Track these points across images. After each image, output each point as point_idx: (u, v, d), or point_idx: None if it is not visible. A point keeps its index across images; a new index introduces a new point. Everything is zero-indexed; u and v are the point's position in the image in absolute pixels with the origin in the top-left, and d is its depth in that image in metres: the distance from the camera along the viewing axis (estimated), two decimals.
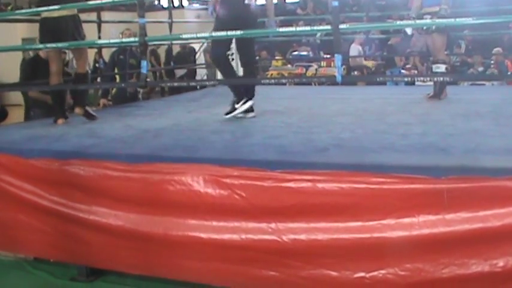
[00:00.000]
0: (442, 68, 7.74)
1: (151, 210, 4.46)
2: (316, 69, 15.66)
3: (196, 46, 16.68)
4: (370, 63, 15.16)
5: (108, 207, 4.62)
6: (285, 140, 5.28)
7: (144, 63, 5.42)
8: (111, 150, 5.22)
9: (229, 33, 5.55)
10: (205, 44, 14.29)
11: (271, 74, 15.42)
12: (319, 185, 3.93)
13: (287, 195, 4.02)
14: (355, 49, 14.86)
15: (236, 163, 4.32)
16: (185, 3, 23.53)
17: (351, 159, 4.37)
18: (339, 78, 4.44)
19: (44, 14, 6.45)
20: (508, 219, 3.56)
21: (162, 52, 17.24)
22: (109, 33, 13.45)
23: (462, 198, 3.65)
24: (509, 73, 13.43)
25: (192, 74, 16.37)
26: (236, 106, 6.67)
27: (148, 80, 5.77)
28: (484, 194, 3.63)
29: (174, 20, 11.13)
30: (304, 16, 18.61)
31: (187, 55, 15.77)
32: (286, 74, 15.38)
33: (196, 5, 22.19)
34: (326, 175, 3.96)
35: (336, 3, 4.43)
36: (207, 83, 6.09)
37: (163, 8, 18.36)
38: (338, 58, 4.48)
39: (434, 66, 7.82)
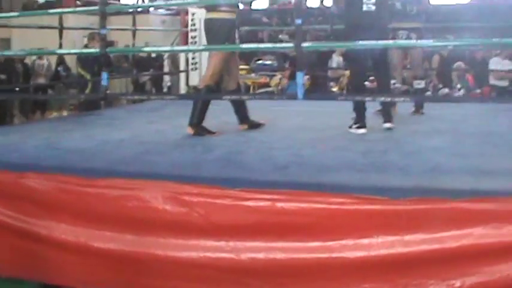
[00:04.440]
0: (422, 84, 7.80)
1: (108, 227, 4.39)
2: (280, 79, 15.58)
3: None
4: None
5: (65, 223, 4.54)
6: (245, 156, 5.26)
7: (105, 75, 5.35)
8: (69, 162, 5.14)
9: (191, 47, 5.52)
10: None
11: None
12: (279, 204, 3.91)
13: (246, 213, 3.99)
14: (335, 60, 14.77)
15: (196, 180, 4.29)
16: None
17: (310, 178, 4.36)
18: (300, 96, 4.42)
19: None
20: (464, 241, 3.59)
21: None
22: (72, 35, 13.41)
23: (420, 219, 3.67)
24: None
25: (158, 79, 16.35)
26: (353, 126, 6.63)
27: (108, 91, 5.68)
28: (442, 215, 3.66)
29: (138, 26, 11.07)
30: (269, 26, 18.64)
31: (153, 60, 15.73)
32: (250, 83, 15.33)
33: (161, 11, 22.07)
34: (285, 194, 3.94)
35: (299, 21, 4.42)
36: (169, 97, 6.00)
37: (128, 13, 18.28)
38: (300, 76, 4.46)
39: (415, 82, 7.85)
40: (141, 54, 15.97)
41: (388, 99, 5.91)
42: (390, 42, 6.84)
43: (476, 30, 13.44)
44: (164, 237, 4.23)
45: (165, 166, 4.88)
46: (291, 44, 5.23)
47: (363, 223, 3.75)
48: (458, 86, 13.54)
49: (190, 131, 6.57)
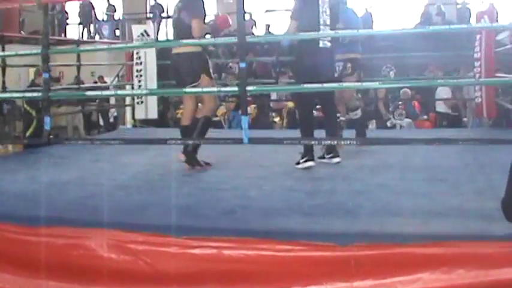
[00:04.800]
0: (358, 113, 7.82)
1: (53, 276, 4.30)
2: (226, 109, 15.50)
3: (108, 80, 16.43)
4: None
5: (7, 273, 4.44)
6: (192, 199, 5.20)
7: (47, 119, 5.26)
8: (12, 209, 5.02)
9: (134, 91, 5.46)
10: (115, 80, 14.14)
11: (182, 113, 15.22)
12: (225, 252, 3.89)
13: (193, 261, 3.96)
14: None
15: (141, 227, 4.23)
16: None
17: (258, 224, 4.32)
18: (245, 140, 4.40)
19: None
20: (414, 285, 3.60)
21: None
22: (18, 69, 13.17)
23: (369, 265, 3.67)
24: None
25: (103, 111, 16.23)
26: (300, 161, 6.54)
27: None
28: (391, 261, 3.66)
29: (84, 55, 11.01)
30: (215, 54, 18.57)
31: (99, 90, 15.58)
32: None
33: (106, 40, 21.96)
34: (232, 242, 3.91)
35: (243, 65, 4.40)
36: (114, 142, 5.93)
37: (74, 42, 18.08)
38: (245, 120, 4.44)
39: (351, 113, 7.87)
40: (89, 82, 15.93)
41: (335, 142, 5.89)
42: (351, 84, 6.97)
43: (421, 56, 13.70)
44: (111, 286, 4.16)
45: (109, 212, 4.78)
46: (235, 88, 5.22)
47: (311, 270, 3.73)
48: (403, 114, 13.62)
49: (182, 157, 6.56)
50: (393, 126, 13.36)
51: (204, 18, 6.61)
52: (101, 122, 17.26)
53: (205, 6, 6.57)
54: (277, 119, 14.55)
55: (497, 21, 14.71)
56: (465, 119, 13.56)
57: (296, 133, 6.64)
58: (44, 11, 5.60)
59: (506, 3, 19.18)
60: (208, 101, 6.62)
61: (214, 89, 6.15)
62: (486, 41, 9.66)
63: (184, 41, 6.01)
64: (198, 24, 6.41)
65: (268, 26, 22.08)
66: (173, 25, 6.96)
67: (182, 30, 6.52)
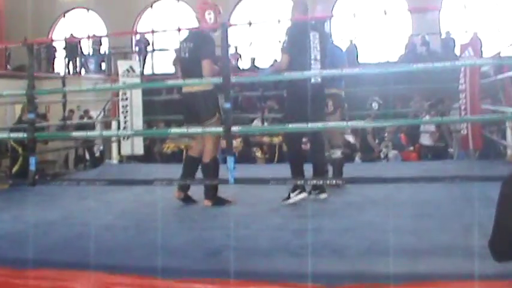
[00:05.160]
0: (338, 152, 7.77)
1: None
2: None
3: (94, 113, 16.40)
4: (276, 139, 14.84)
5: None
6: (178, 239, 5.17)
7: (32, 159, 5.24)
8: None
9: (120, 132, 5.44)
10: (101, 114, 14.14)
11: (168, 147, 15.26)
12: None
13: None
14: (257, 125, 14.65)
15: (127, 269, 4.20)
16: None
17: (244, 265, 4.28)
18: (231, 181, 4.39)
19: None
20: None
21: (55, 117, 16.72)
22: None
23: None
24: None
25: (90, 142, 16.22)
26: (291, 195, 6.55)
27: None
28: None
29: (73, 87, 11.02)
30: None
31: (85, 126, 15.55)
32: (183, 147, 15.23)
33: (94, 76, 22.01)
34: (218, 284, 3.89)
35: (227, 105, 4.40)
36: (99, 182, 5.91)
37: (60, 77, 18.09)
38: (230, 160, 4.43)
39: (331, 151, 7.83)
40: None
41: (320, 182, 5.89)
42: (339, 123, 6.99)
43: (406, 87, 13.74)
44: None
45: (96, 253, 4.75)
46: (220, 129, 5.21)
47: None
48: (389, 146, 13.65)
49: (208, 203, 6.63)
50: (379, 158, 13.38)
51: (216, 60, 6.71)
52: (88, 156, 17.20)
53: (215, 48, 6.66)
54: (258, 153, 14.50)
55: (481, 51, 14.94)
56: (451, 150, 13.56)
57: (281, 168, 6.62)
58: (29, 50, 5.60)
59: (490, 32, 19.49)
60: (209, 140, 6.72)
61: (199, 129, 6.14)
62: (471, 72, 9.72)
63: (170, 81, 6.03)
64: (208, 65, 6.53)
65: (254, 59, 22.20)
66: (182, 64, 7.02)
67: (190, 70, 6.63)
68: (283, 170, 7.09)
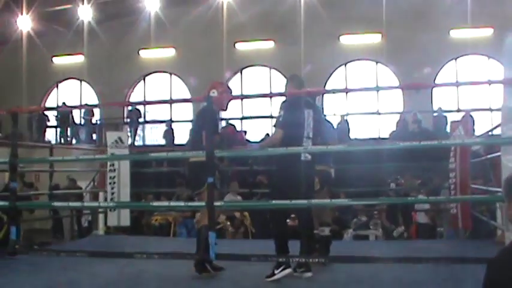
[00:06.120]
0: (326, 230, 7.68)
1: None
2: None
3: (83, 184, 16.31)
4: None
5: None
6: None
7: (13, 229, 5.17)
8: None
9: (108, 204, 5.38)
10: (91, 184, 14.08)
11: (156, 219, 15.15)
12: None
13: None
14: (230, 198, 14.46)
15: None
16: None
17: None
18: (212, 257, 4.32)
19: None
20: None
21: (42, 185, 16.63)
22: None
23: None
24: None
25: (78, 212, 16.07)
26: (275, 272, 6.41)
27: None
28: None
29: (57, 157, 10.92)
30: None
31: (73, 196, 15.47)
32: (171, 219, 15.11)
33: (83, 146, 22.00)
34: None
35: (211, 180, 4.36)
36: (79, 253, 5.83)
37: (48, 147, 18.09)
38: (212, 236, 4.36)
39: (320, 228, 7.73)
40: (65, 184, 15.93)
41: (303, 260, 5.80)
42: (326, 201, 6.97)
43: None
44: None
45: None
46: (203, 203, 5.16)
47: None
48: (378, 224, 13.56)
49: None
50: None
51: (216, 131, 6.89)
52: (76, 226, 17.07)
53: (218, 119, 6.81)
54: (230, 228, 14.31)
55: (473, 130, 14.97)
56: (440, 229, 13.44)
57: (262, 244, 6.51)
58: (13, 119, 5.58)
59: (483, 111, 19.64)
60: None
61: (181, 203, 6.10)
62: (461, 152, 9.72)
63: (153, 154, 6.02)
64: (205, 136, 6.54)
65: (245, 132, 22.23)
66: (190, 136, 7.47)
67: (192, 140, 6.97)
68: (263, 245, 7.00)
